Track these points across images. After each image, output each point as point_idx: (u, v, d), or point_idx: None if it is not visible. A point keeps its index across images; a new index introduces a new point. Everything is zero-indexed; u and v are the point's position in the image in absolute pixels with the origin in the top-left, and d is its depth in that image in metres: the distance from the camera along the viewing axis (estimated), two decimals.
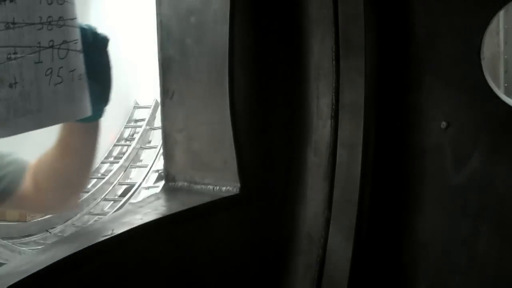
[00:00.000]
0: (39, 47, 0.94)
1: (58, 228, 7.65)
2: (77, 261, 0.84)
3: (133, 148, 8.83)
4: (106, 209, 8.19)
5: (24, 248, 6.32)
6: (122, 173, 8.56)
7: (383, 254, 1.29)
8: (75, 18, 1.01)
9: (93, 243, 0.88)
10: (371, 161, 1.25)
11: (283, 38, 1.23)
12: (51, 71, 0.96)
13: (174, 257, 1.03)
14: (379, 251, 1.29)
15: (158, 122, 8.28)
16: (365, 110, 1.21)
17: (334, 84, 1.22)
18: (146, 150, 8.86)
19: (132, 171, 8.72)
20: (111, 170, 8.54)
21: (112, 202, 8.27)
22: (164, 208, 1.07)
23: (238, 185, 1.12)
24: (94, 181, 8.18)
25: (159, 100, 1.22)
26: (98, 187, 8.18)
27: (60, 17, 0.97)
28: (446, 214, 1.23)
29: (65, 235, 6.73)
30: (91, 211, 8.07)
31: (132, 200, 7.75)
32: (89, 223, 7.23)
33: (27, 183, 1.44)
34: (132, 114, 9.41)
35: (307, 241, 1.26)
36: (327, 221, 1.25)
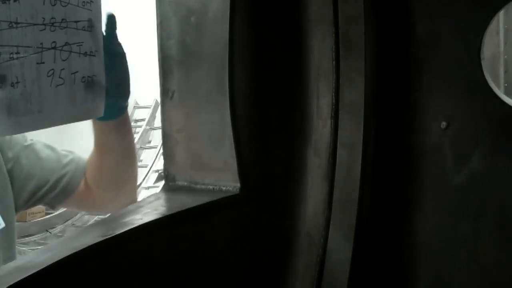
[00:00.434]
0: (42, 47, 0.94)
1: (58, 228, 7.66)
2: (77, 261, 0.84)
3: None
4: None
5: (24, 248, 6.32)
6: None
7: (383, 254, 1.29)
8: (80, 21, 1.01)
9: (93, 243, 0.88)
10: (371, 161, 1.25)
11: (283, 38, 1.23)
12: (53, 72, 0.96)
13: (174, 257, 1.03)
14: (379, 251, 1.29)
15: (158, 122, 8.28)
16: (365, 110, 1.21)
17: (334, 84, 1.22)
18: (146, 150, 8.86)
19: None
20: None
21: None
22: (164, 208, 1.07)
23: (238, 185, 1.12)
24: None
25: (159, 100, 1.22)
26: None
27: (63, 19, 0.97)
28: (446, 214, 1.23)
29: (65, 235, 6.73)
30: None
31: None
32: (89, 223, 7.23)
33: (83, 182, 1.47)
34: (132, 114, 9.40)
35: (307, 241, 1.26)
36: (327, 221, 1.25)
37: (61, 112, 1.00)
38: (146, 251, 0.98)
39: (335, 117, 1.23)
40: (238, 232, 1.16)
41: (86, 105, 1.05)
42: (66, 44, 0.98)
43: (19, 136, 1.44)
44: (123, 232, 0.93)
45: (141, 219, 0.99)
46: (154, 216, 1.01)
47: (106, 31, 1.16)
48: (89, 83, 1.04)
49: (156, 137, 8.67)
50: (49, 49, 0.95)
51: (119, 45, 1.16)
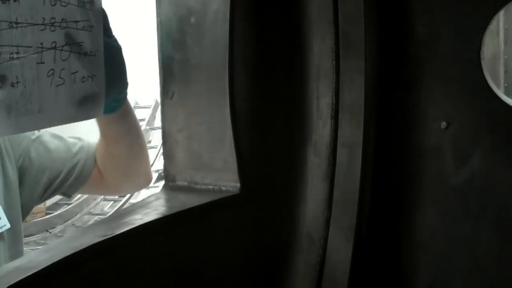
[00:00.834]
0: (42, 47, 0.94)
1: (58, 228, 7.66)
2: (77, 261, 0.84)
3: None
4: (106, 209, 8.19)
5: (24, 248, 6.31)
6: None
7: (383, 254, 1.29)
8: (80, 21, 1.01)
9: (93, 243, 0.88)
10: (371, 161, 1.25)
11: (283, 38, 1.23)
12: (53, 72, 0.96)
13: (174, 257, 1.03)
14: (379, 251, 1.29)
15: (158, 122, 8.29)
16: (365, 110, 1.21)
17: (334, 84, 1.22)
18: None
19: None
20: None
21: (112, 202, 8.27)
22: (164, 208, 1.07)
23: (238, 185, 1.12)
24: None
25: (159, 100, 1.22)
26: None
27: (63, 19, 0.97)
28: (446, 214, 1.23)
29: (65, 235, 6.73)
30: (91, 211, 8.07)
31: (132, 200, 7.75)
32: (89, 223, 7.23)
33: (95, 168, 1.48)
34: None
35: (307, 241, 1.26)
36: (327, 221, 1.25)
37: (61, 112, 1.00)
38: (146, 251, 0.98)
39: (335, 117, 1.23)
40: (238, 232, 1.16)
41: (86, 105, 1.05)
42: (66, 44, 0.98)
43: None
44: (123, 232, 0.93)
45: (141, 219, 0.99)
46: (154, 216, 1.01)
47: None
48: (89, 83, 1.04)
49: (156, 137, 8.67)
50: (49, 49, 0.95)
51: (113, 38, 1.15)
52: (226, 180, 1.14)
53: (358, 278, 1.25)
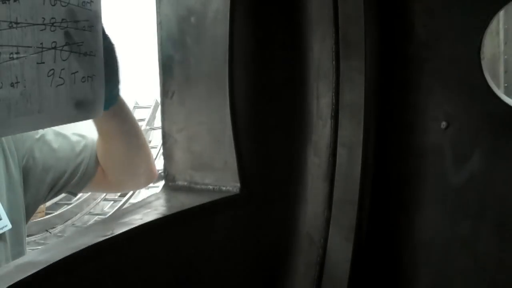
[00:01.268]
0: (42, 47, 0.94)
1: (58, 228, 7.66)
2: (77, 261, 0.84)
3: None
4: (106, 209, 8.19)
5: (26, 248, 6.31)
6: None
7: (383, 254, 1.29)
8: (80, 21, 1.01)
9: (93, 243, 0.88)
10: (371, 161, 1.25)
11: (283, 38, 1.23)
12: (53, 72, 0.96)
13: (174, 257, 1.03)
14: (379, 251, 1.29)
15: (158, 122, 8.29)
16: (365, 110, 1.21)
17: (334, 84, 1.22)
18: None
19: None
20: None
21: (112, 202, 8.27)
22: (164, 208, 1.07)
23: (238, 185, 1.12)
24: None
25: (159, 100, 1.22)
26: None
27: (63, 19, 0.97)
28: (446, 214, 1.23)
29: (65, 235, 6.73)
30: (91, 211, 8.08)
31: (132, 200, 7.75)
32: (89, 223, 7.23)
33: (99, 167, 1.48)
34: None
35: (307, 241, 1.26)
36: (327, 221, 1.25)
37: (61, 112, 1.00)
38: (146, 251, 0.98)
39: (335, 117, 1.23)
40: (238, 232, 1.16)
41: (86, 105, 1.05)
42: (66, 44, 0.98)
43: None
44: (123, 232, 0.93)
45: (141, 219, 0.99)
46: (154, 216, 1.01)
47: None
48: (89, 83, 1.04)
49: (156, 137, 8.67)
50: (49, 49, 0.95)
51: (106, 36, 1.15)
52: (226, 180, 1.14)
53: (358, 278, 1.25)
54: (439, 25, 1.20)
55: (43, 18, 0.93)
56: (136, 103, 9.42)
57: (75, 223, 7.80)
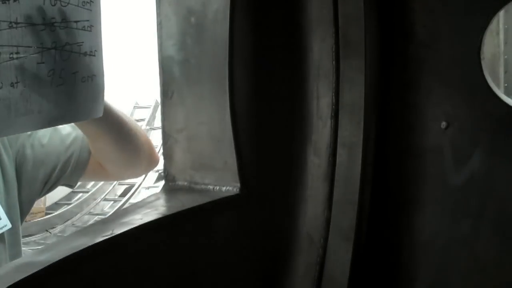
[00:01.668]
0: (42, 47, 0.94)
1: (58, 228, 7.65)
2: (77, 261, 0.84)
3: None
4: (106, 209, 8.18)
5: (24, 248, 6.31)
6: None
7: (383, 254, 1.29)
8: (80, 21, 1.01)
9: (93, 243, 0.88)
10: (371, 161, 1.25)
11: (283, 38, 1.23)
12: (53, 72, 0.96)
13: (174, 257, 1.03)
14: (379, 251, 1.29)
15: (158, 122, 8.28)
16: (365, 110, 1.21)
17: (334, 84, 1.22)
18: None
19: None
20: None
21: (112, 202, 8.27)
22: (164, 208, 1.07)
23: (238, 185, 1.13)
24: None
25: (159, 100, 1.22)
26: (98, 187, 8.17)
27: (63, 19, 0.97)
28: (446, 214, 1.23)
29: (65, 235, 6.73)
30: (91, 211, 8.07)
31: (132, 200, 7.75)
32: (89, 223, 7.23)
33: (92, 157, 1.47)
34: (132, 114, 9.40)
35: (307, 241, 1.26)
36: (327, 221, 1.25)
37: (61, 112, 1.00)
38: (146, 251, 0.98)
39: (335, 117, 1.23)
40: (238, 232, 1.16)
41: (86, 105, 1.05)
42: (66, 44, 0.98)
43: None
44: (123, 232, 0.93)
45: (141, 219, 0.99)
46: (154, 216, 1.01)
47: None
48: (89, 83, 1.04)
49: (156, 137, 8.67)
50: (49, 49, 0.95)
51: None
52: (226, 180, 1.14)
53: (358, 278, 1.25)
54: (439, 25, 1.20)
55: (43, 18, 0.93)
56: (136, 103, 9.41)
57: (75, 223, 7.80)
